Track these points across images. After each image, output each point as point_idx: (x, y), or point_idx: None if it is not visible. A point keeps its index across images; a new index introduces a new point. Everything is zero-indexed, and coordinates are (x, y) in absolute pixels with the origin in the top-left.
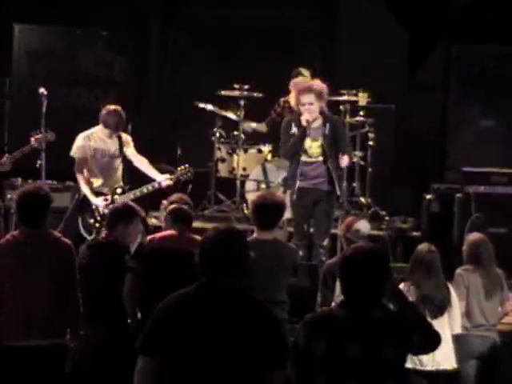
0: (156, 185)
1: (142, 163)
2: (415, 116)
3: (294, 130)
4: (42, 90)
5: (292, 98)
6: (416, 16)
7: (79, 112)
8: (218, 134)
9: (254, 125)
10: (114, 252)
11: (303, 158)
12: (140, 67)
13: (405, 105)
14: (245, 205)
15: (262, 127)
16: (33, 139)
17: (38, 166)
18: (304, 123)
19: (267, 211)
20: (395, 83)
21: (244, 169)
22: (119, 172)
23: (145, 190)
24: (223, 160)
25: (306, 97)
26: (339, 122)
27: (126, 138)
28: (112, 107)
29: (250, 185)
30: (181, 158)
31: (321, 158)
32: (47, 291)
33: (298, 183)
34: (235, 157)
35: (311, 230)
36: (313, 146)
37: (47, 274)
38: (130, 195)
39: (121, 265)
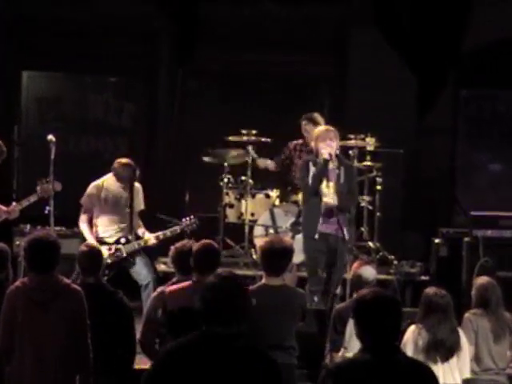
0: (142, 243)
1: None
2: (423, 160)
3: (313, 169)
4: (50, 137)
5: (310, 141)
6: (425, 60)
7: (88, 159)
8: (225, 180)
9: (268, 162)
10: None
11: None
12: (149, 113)
13: (413, 149)
14: (253, 250)
15: (272, 165)
16: (39, 189)
17: (46, 212)
18: (327, 156)
19: (276, 256)
20: (404, 128)
21: (252, 214)
22: (128, 220)
23: (142, 244)
24: (231, 205)
25: (327, 134)
26: (352, 167)
27: (138, 187)
28: (124, 161)
29: (258, 230)
30: (189, 203)
31: (332, 202)
32: (57, 337)
33: (318, 226)
34: (243, 202)
35: (324, 274)
36: (329, 187)
37: (57, 320)
38: (133, 246)
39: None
